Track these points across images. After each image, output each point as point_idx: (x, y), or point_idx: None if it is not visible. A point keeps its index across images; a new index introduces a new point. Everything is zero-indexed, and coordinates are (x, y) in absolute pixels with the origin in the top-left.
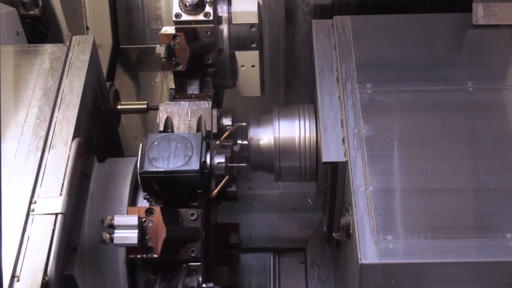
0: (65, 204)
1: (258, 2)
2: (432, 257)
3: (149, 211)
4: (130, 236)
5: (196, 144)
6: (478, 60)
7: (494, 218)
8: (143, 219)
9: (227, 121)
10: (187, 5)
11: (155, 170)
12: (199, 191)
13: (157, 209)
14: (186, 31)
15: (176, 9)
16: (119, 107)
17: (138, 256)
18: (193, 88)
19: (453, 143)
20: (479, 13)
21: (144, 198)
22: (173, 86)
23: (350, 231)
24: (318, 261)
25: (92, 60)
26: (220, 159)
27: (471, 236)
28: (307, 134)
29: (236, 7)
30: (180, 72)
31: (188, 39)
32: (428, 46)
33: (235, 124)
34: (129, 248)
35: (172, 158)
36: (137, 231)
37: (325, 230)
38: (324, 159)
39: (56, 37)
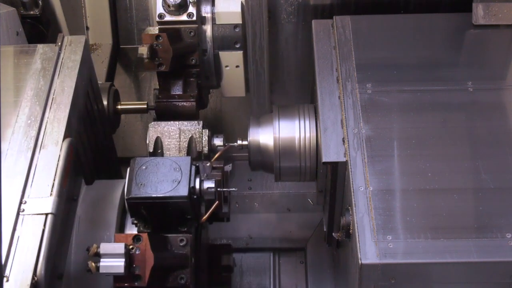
0: (55, 205)
1: (242, 3)
2: (432, 257)
3: (136, 238)
4: (117, 265)
5: (185, 169)
6: (478, 60)
7: (494, 218)
8: (130, 247)
9: (218, 141)
10: (170, 5)
11: (143, 196)
12: (188, 216)
13: (144, 235)
14: (169, 31)
15: (159, 9)
16: (119, 107)
17: (126, 285)
18: (177, 89)
19: (453, 143)
20: (479, 13)
21: (132, 223)
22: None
23: (350, 231)
24: (318, 261)
25: (84, 60)
26: (209, 184)
27: (471, 236)
28: (307, 134)
29: (219, 7)
30: (163, 73)
31: (171, 39)
32: (428, 46)
33: (226, 144)
34: (116, 277)
35: (160, 184)
36: (123, 259)
37: (325, 230)
38: (324, 159)
39: (56, 37)
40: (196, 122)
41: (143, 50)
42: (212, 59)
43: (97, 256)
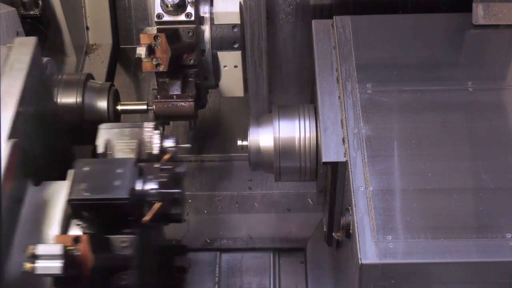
0: None
1: (240, 3)
2: (432, 257)
3: (76, 239)
4: (54, 266)
5: (128, 170)
6: (478, 60)
7: (494, 218)
8: (70, 248)
9: (169, 143)
10: (169, 5)
11: (83, 198)
12: (130, 218)
13: (84, 237)
14: (168, 31)
15: (157, 9)
16: (119, 107)
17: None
18: (175, 89)
19: (453, 143)
20: (479, 13)
21: (76, 225)
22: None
23: (350, 231)
24: (318, 261)
25: (34, 62)
26: (152, 185)
27: (471, 236)
28: (307, 134)
29: (218, 7)
30: (161, 73)
31: (169, 39)
32: (428, 46)
33: (178, 145)
34: (56, 279)
35: (102, 185)
36: (61, 260)
37: (325, 230)
38: (324, 159)
39: (56, 37)
40: (147, 123)
41: (141, 50)
42: (211, 59)
43: (34, 257)
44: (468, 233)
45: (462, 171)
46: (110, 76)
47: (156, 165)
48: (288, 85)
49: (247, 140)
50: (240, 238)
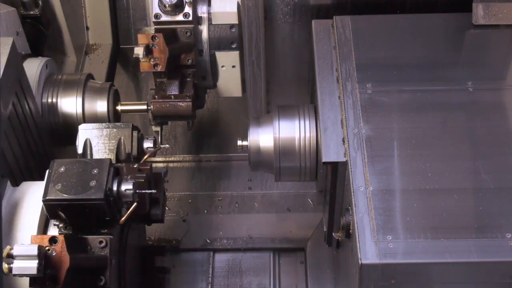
0: None
1: (238, 3)
2: (432, 257)
3: (52, 240)
4: (30, 267)
5: (103, 170)
6: (478, 60)
7: (494, 218)
8: (46, 248)
9: (148, 143)
10: (166, 5)
11: (59, 198)
12: (107, 218)
13: (60, 237)
14: (166, 31)
15: (155, 9)
16: (119, 107)
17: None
18: (173, 89)
19: (453, 143)
20: (479, 13)
21: (54, 225)
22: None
23: (350, 231)
24: (318, 261)
25: (11, 62)
26: (128, 186)
27: (471, 236)
28: (307, 134)
29: (215, 7)
30: (159, 73)
31: (167, 39)
32: (428, 46)
33: (157, 146)
34: (32, 279)
35: (77, 185)
36: (37, 261)
37: (325, 230)
38: (324, 159)
39: (56, 37)
40: (126, 123)
41: (139, 50)
42: (208, 59)
43: (11, 257)
44: (468, 233)
45: (462, 171)
46: (110, 76)
47: (134, 166)
48: (286, 85)
49: (247, 140)
50: (240, 238)
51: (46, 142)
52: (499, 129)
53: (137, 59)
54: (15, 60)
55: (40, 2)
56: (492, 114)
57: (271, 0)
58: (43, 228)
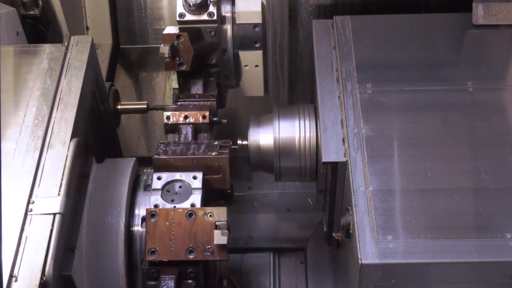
0: (63, 204)
1: (262, 2)
2: (432, 257)
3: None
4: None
5: None
6: (478, 60)
7: (494, 218)
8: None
9: None
10: (191, 5)
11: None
12: None
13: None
14: (190, 31)
15: (180, 9)
16: (119, 107)
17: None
18: (197, 88)
19: (453, 143)
20: (479, 13)
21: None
22: (175, 86)
23: (350, 231)
24: (318, 261)
25: (91, 60)
26: None
27: (471, 236)
28: (307, 134)
29: (240, 7)
30: (183, 72)
31: (192, 39)
32: (428, 46)
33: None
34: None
35: None
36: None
37: (325, 230)
38: (324, 159)
39: (56, 37)
40: None
41: (164, 50)
42: (232, 59)
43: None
44: (468, 233)
45: (462, 171)
46: (110, 76)
47: None
48: (308, 85)
49: (247, 140)
50: (240, 238)
51: (115, 140)
52: (499, 129)
53: (139, 59)
54: (95, 59)
55: (40, 2)
56: (492, 114)
57: (295, 0)
58: (129, 202)
